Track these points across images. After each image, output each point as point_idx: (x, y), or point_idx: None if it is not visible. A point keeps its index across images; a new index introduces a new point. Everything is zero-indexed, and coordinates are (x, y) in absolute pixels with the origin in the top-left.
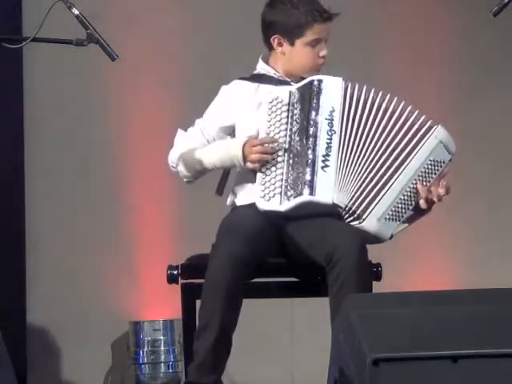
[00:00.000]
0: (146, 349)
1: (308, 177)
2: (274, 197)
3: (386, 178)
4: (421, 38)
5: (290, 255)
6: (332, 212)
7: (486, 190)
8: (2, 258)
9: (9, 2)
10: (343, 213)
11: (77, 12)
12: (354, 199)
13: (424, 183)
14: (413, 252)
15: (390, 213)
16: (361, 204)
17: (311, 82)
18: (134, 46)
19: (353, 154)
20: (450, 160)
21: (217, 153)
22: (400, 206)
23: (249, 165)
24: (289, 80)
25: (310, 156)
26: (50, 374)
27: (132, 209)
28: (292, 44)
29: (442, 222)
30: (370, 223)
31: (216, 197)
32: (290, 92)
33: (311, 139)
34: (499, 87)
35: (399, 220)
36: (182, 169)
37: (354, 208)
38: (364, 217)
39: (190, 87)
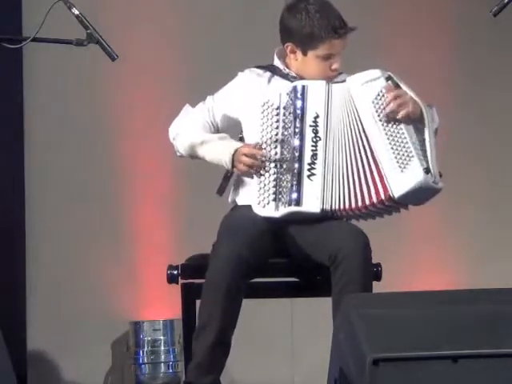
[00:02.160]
0: (145, 349)
1: (294, 187)
2: (268, 204)
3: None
4: (425, 27)
5: (292, 255)
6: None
7: (487, 189)
8: (1, 258)
9: (9, 2)
10: (336, 215)
11: (77, 12)
12: (345, 200)
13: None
14: (413, 252)
15: (398, 162)
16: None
17: (295, 88)
18: (134, 46)
19: (337, 159)
20: (388, 78)
21: (211, 146)
22: (397, 150)
23: (235, 170)
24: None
25: (296, 165)
26: (49, 374)
27: (132, 209)
28: (304, 54)
29: (442, 222)
30: (399, 189)
31: (216, 197)
32: (280, 95)
33: (297, 148)
34: (500, 88)
35: (411, 156)
36: (177, 145)
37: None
38: (393, 192)
39: (190, 87)
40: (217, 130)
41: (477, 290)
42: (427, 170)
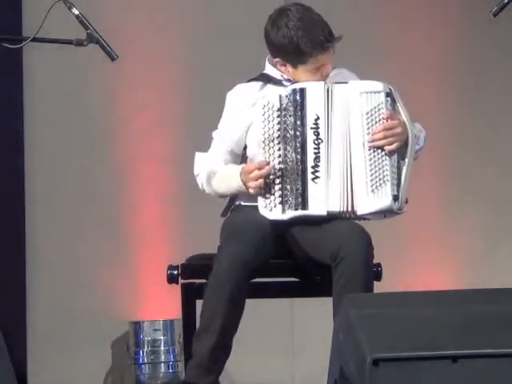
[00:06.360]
0: (145, 349)
1: (300, 190)
2: (275, 207)
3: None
4: (420, 39)
5: (294, 255)
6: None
7: (487, 190)
8: (1, 258)
9: (9, 2)
10: (343, 216)
11: (77, 12)
12: (346, 202)
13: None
14: (413, 252)
15: (371, 182)
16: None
17: (294, 91)
18: (134, 45)
19: (335, 161)
20: (388, 94)
21: (224, 185)
22: (374, 170)
23: (252, 191)
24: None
25: (300, 168)
26: (50, 374)
27: (132, 209)
28: (295, 68)
29: (443, 222)
30: (363, 209)
31: (216, 197)
32: (280, 96)
33: (299, 151)
34: (500, 88)
35: (386, 181)
36: (211, 193)
37: (349, 210)
38: (357, 210)
39: (190, 87)
40: (240, 152)
41: (476, 290)
42: (395, 198)
